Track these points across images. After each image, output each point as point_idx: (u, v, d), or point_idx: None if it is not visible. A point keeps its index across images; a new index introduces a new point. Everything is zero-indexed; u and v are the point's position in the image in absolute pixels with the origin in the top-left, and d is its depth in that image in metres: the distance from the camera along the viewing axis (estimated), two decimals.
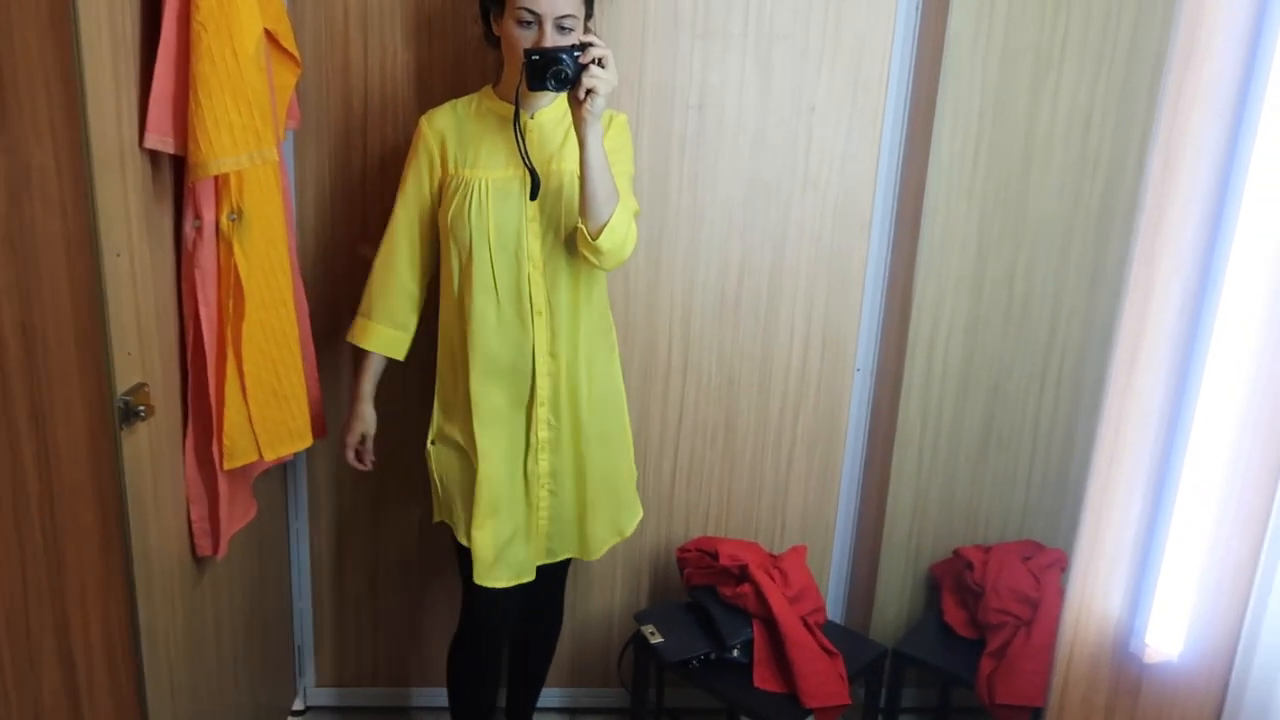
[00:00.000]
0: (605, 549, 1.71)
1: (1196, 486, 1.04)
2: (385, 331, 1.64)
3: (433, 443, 1.63)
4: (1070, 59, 1.80)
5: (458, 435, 1.59)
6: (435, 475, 1.63)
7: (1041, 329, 1.93)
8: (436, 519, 1.66)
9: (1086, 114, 1.82)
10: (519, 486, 1.60)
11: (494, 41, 1.55)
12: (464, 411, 1.58)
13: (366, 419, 1.70)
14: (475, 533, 1.56)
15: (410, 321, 1.65)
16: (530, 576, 1.63)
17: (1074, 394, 1.95)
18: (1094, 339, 1.90)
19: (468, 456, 1.58)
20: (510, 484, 1.59)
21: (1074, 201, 1.86)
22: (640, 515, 1.76)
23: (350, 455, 1.71)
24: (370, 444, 1.72)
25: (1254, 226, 0.97)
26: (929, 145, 1.82)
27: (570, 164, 1.51)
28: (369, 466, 1.73)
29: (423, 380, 1.77)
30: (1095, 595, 1.12)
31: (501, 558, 1.59)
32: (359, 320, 1.66)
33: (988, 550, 1.91)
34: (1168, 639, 1.08)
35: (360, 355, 1.69)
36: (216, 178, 1.34)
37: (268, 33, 1.46)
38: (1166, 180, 1.01)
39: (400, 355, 1.67)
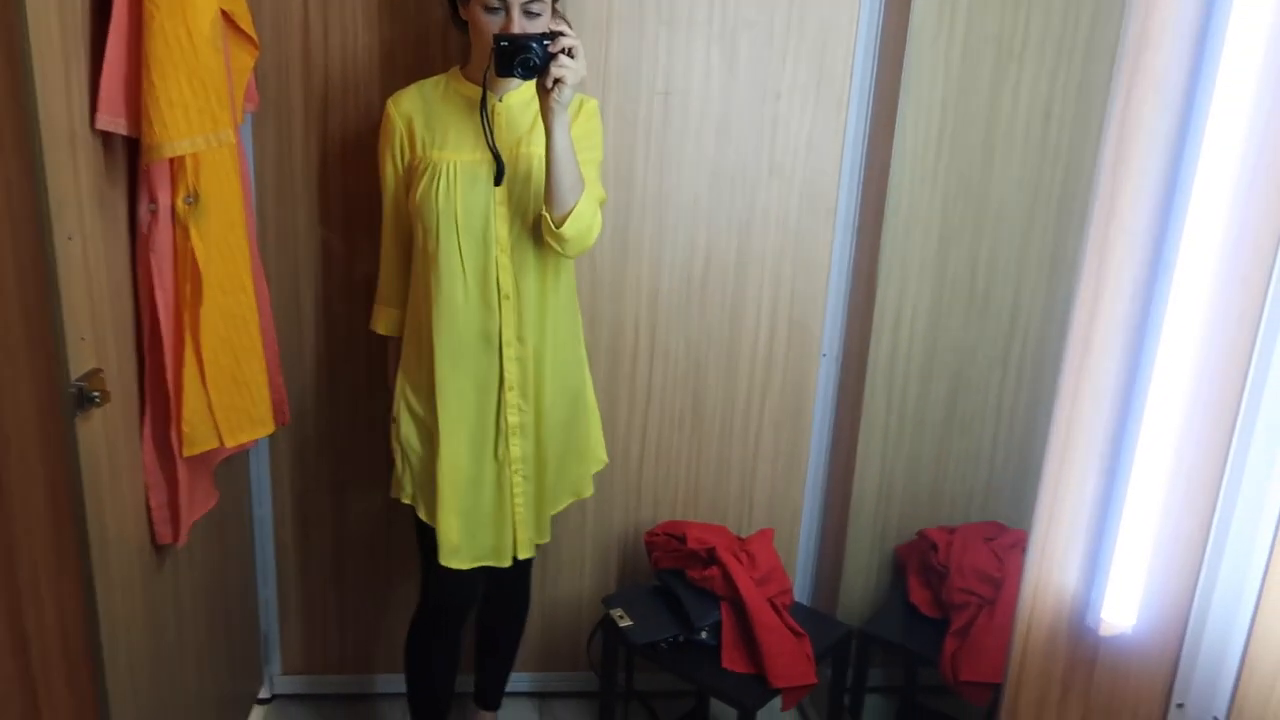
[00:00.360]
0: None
1: (1149, 464, 1.07)
2: (398, 314, 1.66)
3: (395, 419, 1.62)
4: (1031, 50, 1.82)
5: (422, 413, 1.59)
6: (398, 452, 1.62)
7: (1003, 314, 1.96)
8: (394, 495, 1.65)
9: (1047, 104, 1.84)
10: (488, 471, 1.59)
11: (460, 25, 1.53)
12: (428, 392, 1.57)
13: None
14: (441, 516, 1.55)
15: None
16: (502, 561, 1.63)
17: (1035, 378, 1.98)
18: (1054, 324, 1.93)
19: (432, 435, 1.57)
20: (477, 468, 1.58)
21: (1034, 190, 1.89)
22: (587, 494, 1.75)
23: None
24: None
25: (1203, 211, 0.99)
26: (892, 133, 1.83)
27: (539, 148, 1.51)
28: None
29: (385, 363, 1.75)
30: (1052, 571, 1.15)
31: (468, 540, 1.59)
32: (376, 307, 1.69)
33: (952, 531, 1.94)
34: (1122, 612, 1.11)
35: (386, 343, 1.72)
36: (172, 160, 1.32)
37: (224, 14, 1.43)
38: (1119, 166, 1.03)
39: None
